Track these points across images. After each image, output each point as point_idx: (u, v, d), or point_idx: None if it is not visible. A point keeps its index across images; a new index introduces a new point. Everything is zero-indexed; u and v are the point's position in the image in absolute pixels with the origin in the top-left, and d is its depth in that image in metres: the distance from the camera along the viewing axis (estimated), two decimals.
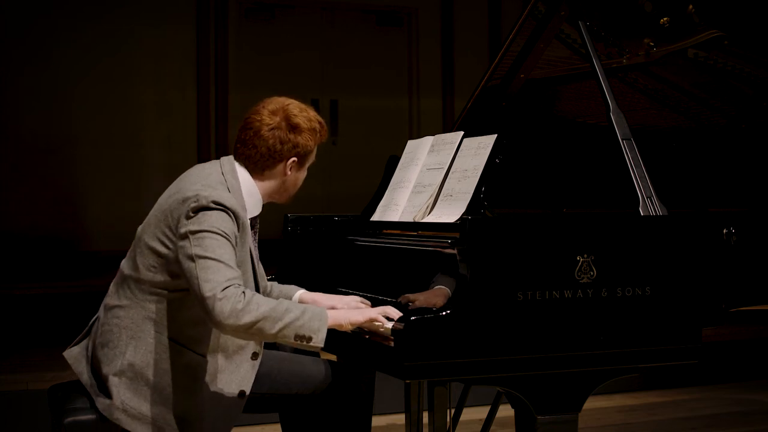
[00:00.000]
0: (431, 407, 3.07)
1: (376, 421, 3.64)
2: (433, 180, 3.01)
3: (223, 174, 2.64)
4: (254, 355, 2.68)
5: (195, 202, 2.50)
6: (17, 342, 5.81)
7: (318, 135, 2.75)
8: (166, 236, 2.54)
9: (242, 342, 2.65)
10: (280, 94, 2.80)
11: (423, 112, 9.02)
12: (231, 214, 2.52)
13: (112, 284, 2.68)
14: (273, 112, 2.69)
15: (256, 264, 2.71)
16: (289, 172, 2.71)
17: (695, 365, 2.75)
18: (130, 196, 7.73)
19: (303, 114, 2.72)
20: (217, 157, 2.77)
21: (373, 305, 2.79)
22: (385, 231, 3.07)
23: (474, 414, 4.31)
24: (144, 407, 2.54)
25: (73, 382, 2.79)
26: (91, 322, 2.74)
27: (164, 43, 8.07)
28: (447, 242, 2.56)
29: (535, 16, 3.33)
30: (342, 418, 2.87)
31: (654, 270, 2.61)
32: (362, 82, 8.81)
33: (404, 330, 2.37)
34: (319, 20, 8.77)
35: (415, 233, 2.85)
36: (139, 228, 2.64)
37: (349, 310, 2.65)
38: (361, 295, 2.93)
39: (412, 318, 2.37)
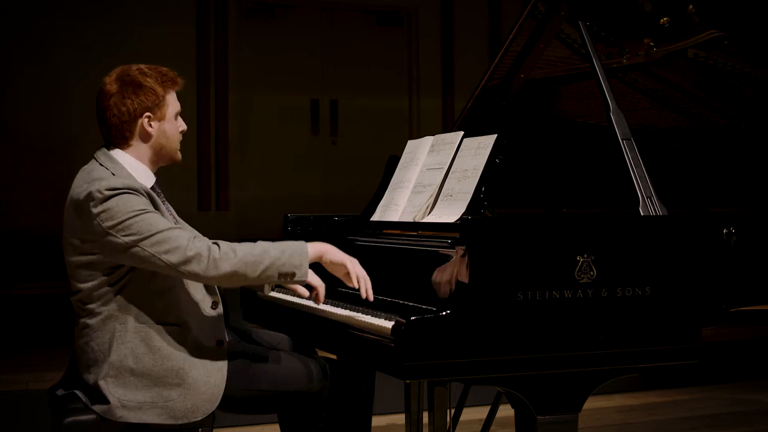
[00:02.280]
0: (431, 407, 3.07)
1: (376, 421, 3.64)
2: (433, 180, 3.01)
3: (102, 165, 2.66)
4: (214, 304, 2.71)
5: (92, 200, 2.53)
6: (17, 342, 5.81)
7: (160, 81, 2.69)
8: (81, 245, 2.58)
9: (198, 297, 2.68)
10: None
11: (423, 112, 9.01)
12: (131, 192, 2.54)
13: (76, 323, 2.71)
14: (111, 83, 2.70)
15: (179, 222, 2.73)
16: (150, 129, 2.68)
17: (695, 365, 2.75)
18: None
19: (140, 70, 2.70)
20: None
21: (373, 305, 2.80)
22: (385, 231, 3.07)
23: (474, 414, 4.31)
24: (140, 395, 2.56)
25: (72, 383, 2.79)
26: (70, 359, 2.79)
27: (164, 43, 8.06)
28: (447, 242, 2.56)
29: (535, 16, 3.33)
30: (342, 417, 2.87)
31: (654, 270, 2.61)
32: (362, 82, 8.81)
33: (404, 330, 2.36)
34: (319, 20, 8.77)
35: (415, 233, 2.85)
36: (65, 260, 2.68)
37: (332, 246, 2.70)
38: (360, 296, 2.93)
39: (412, 318, 2.37)
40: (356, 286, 2.67)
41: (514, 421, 2.62)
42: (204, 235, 2.65)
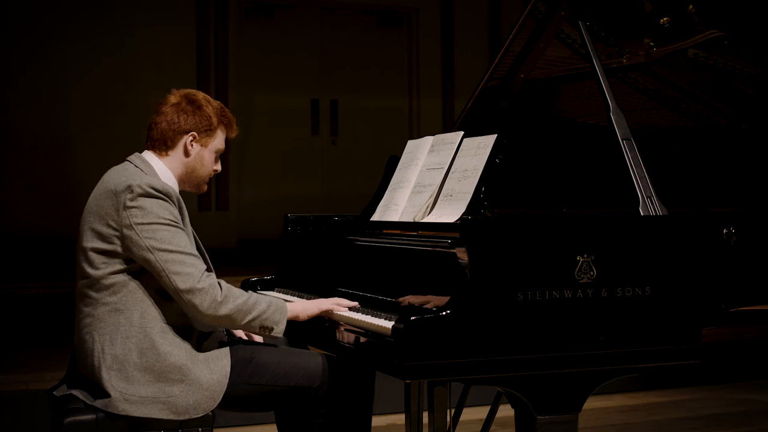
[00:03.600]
0: (431, 407, 3.07)
1: (376, 421, 3.64)
2: (433, 180, 3.01)
3: (136, 166, 2.73)
4: None
5: (130, 192, 2.60)
6: (17, 342, 5.81)
7: (219, 115, 2.83)
8: (105, 233, 2.61)
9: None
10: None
11: (423, 112, 9.02)
12: (168, 199, 2.63)
13: (76, 310, 2.74)
14: (176, 95, 2.83)
15: (200, 243, 2.81)
16: (190, 148, 2.78)
17: (695, 365, 2.75)
18: None
19: (206, 98, 2.84)
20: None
21: (374, 305, 2.80)
22: (385, 231, 3.07)
23: (474, 414, 4.31)
24: (142, 390, 2.59)
25: (72, 382, 2.79)
26: (71, 359, 2.80)
27: (164, 43, 8.07)
28: (447, 242, 2.56)
29: (535, 16, 3.33)
30: (341, 415, 2.88)
31: (654, 270, 2.61)
32: (362, 82, 8.82)
33: (404, 330, 2.36)
34: (319, 20, 8.77)
35: (415, 233, 2.85)
36: (77, 247, 2.71)
37: (304, 302, 2.85)
38: (360, 296, 2.93)
39: (412, 318, 2.37)
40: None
41: (514, 421, 2.62)
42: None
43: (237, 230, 8.19)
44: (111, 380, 2.58)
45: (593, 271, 2.53)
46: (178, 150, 2.78)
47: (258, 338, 3.01)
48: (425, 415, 3.20)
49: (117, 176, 2.68)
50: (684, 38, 3.45)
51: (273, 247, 3.64)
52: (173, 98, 2.81)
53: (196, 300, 2.57)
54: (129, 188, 2.60)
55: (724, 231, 2.85)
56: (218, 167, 2.88)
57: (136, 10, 7.98)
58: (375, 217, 3.25)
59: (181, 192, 2.81)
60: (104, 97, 7.85)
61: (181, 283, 2.57)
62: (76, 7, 7.79)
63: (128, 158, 2.77)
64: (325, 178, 8.68)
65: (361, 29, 8.91)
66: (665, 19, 3.41)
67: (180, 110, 2.78)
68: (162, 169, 2.76)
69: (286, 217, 3.47)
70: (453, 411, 3.37)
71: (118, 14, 7.92)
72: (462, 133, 3.03)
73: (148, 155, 2.78)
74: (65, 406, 2.64)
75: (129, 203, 2.59)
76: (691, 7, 3.40)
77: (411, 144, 3.28)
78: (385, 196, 3.27)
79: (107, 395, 2.58)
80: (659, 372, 5.42)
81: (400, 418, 4.64)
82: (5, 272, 6.78)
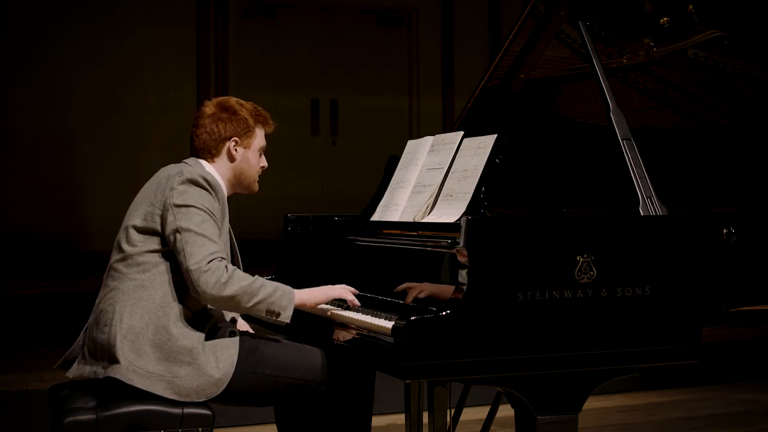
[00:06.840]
0: (431, 407, 3.07)
1: (376, 421, 3.64)
2: (433, 180, 3.01)
3: (191, 166, 2.84)
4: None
5: (180, 176, 2.73)
6: (17, 342, 5.81)
7: (254, 115, 2.96)
8: (149, 212, 2.74)
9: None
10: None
11: (423, 112, 9.01)
12: (212, 192, 2.74)
13: (102, 286, 2.81)
14: (210, 105, 2.97)
15: (235, 244, 2.92)
16: (235, 153, 2.90)
17: (695, 365, 2.75)
18: (130, 196, 7.66)
19: (238, 102, 2.97)
20: None
21: (374, 305, 2.80)
22: (385, 231, 3.07)
23: (474, 414, 4.31)
24: (150, 366, 2.64)
25: (73, 382, 2.80)
26: (82, 334, 2.84)
27: (164, 44, 8.06)
28: (447, 242, 2.56)
29: (535, 16, 3.33)
30: (341, 414, 2.88)
31: (654, 270, 2.61)
32: (362, 82, 8.81)
33: (404, 330, 2.36)
34: (319, 20, 8.77)
35: (415, 233, 2.85)
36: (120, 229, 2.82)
37: (312, 290, 2.87)
38: (360, 296, 2.93)
39: (412, 318, 2.37)
40: (351, 303, 2.85)
41: (514, 421, 2.62)
42: None
43: (237, 230, 8.17)
44: (123, 349, 2.64)
45: (593, 271, 2.54)
46: (223, 156, 2.90)
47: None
48: (425, 415, 3.20)
49: (172, 168, 2.81)
50: (684, 38, 3.46)
51: (273, 247, 3.64)
52: (208, 109, 2.93)
53: (201, 280, 2.62)
54: (180, 173, 2.74)
55: (724, 231, 2.85)
56: (264, 163, 2.99)
57: (136, 10, 7.97)
58: (375, 217, 3.25)
59: (231, 196, 2.92)
60: (104, 97, 7.84)
61: (191, 263, 2.63)
62: (76, 7, 7.78)
63: (184, 161, 2.88)
64: (325, 178, 8.67)
65: (361, 29, 8.90)
66: (665, 19, 3.41)
67: (217, 119, 2.90)
68: (213, 173, 2.86)
69: (286, 217, 3.47)
70: (453, 411, 3.37)
71: (118, 14, 7.91)
72: (462, 133, 3.03)
73: (200, 161, 2.89)
74: (65, 406, 2.65)
75: (176, 186, 2.72)
76: (691, 7, 3.40)
77: (411, 144, 3.28)
78: (385, 196, 3.28)
79: (117, 362, 2.63)
80: (659, 372, 5.42)
81: (400, 418, 4.64)
82: (5, 272, 6.78)
